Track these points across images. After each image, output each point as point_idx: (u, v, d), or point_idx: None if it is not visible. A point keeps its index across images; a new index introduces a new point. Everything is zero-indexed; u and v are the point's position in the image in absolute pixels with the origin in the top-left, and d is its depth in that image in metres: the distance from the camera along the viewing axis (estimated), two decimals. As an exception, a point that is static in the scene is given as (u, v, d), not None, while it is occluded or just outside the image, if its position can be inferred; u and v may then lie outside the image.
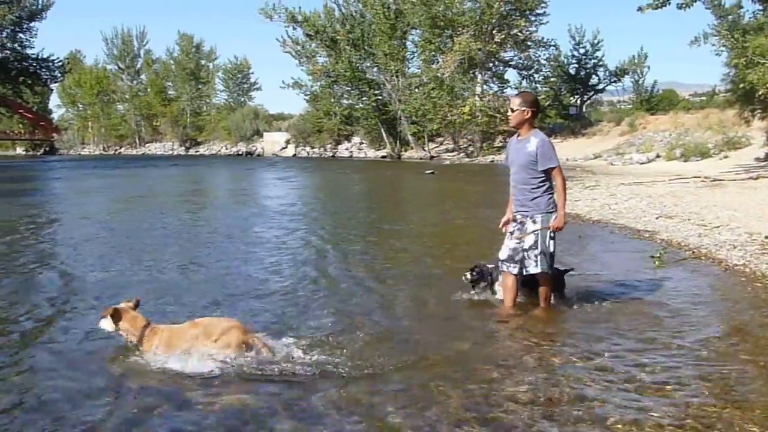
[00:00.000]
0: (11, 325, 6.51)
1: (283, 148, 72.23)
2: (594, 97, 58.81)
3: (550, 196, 6.53)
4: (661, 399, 4.66)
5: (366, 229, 14.35)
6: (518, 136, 6.66)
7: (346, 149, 65.54)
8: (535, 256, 6.47)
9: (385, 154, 58.04)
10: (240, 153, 77.84)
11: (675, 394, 4.74)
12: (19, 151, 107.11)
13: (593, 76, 56.16)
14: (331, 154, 65.74)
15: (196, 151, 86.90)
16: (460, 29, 48.20)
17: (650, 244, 11.30)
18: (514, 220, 6.71)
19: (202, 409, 4.48)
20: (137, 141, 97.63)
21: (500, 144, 50.94)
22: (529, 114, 6.49)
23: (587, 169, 34.72)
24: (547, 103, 54.61)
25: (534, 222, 6.49)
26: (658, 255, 9.78)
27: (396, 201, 22.05)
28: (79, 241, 12.34)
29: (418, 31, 53.99)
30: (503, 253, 6.69)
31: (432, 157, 52.26)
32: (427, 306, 7.43)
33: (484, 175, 34.15)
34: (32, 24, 70.49)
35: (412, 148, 56.19)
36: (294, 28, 60.65)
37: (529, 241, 6.50)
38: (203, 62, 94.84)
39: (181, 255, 10.95)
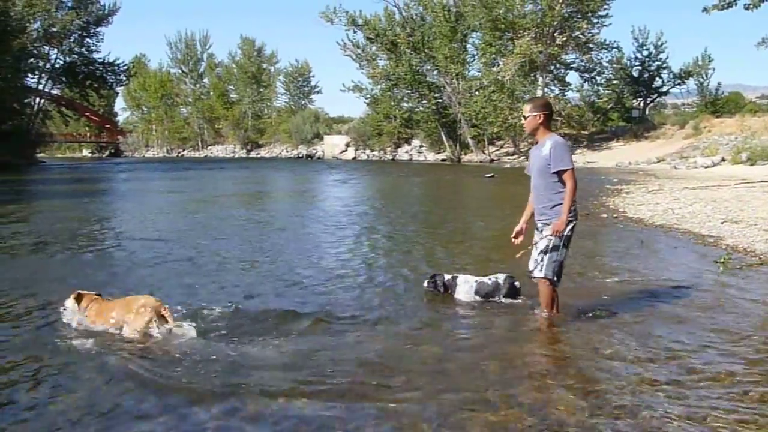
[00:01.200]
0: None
1: (343, 151, 73.30)
2: (657, 99, 58.65)
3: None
4: (728, 403, 4.72)
5: (425, 232, 14.58)
6: (536, 143, 6.63)
7: (406, 152, 66.28)
8: (542, 261, 6.40)
9: (445, 157, 58.64)
10: (300, 156, 79.19)
11: (743, 397, 4.81)
12: (86, 153, 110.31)
13: (657, 78, 56.11)
14: (390, 157, 66.57)
15: (257, 154, 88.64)
16: (520, 32, 48.54)
17: (715, 250, 11.10)
18: (537, 229, 6.60)
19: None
20: (199, 144, 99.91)
21: (561, 147, 51.19)
22: (542, 118, 6.40)
23: (650, 173, 34.61)
24: (610, 106, 54.65)
25: (545, 229, 6.43)
26: (722, 260, 9.60)
27: (455, 204, 22.05)
28: (173, 237, 13.54)
29: (478, 33, 54.43)
30: (530, 264, 6.60)
31: (492, 161, 52.66)
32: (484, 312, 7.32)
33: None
34: (99, 29, 73.10)
35: (471, 152, 56.67)
36: (354, 32, 61.63)
37: (540, 245, 6.43)
38: (265, 66, 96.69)
39: (257, 247, 12.12)
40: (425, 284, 7.90)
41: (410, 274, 9.32)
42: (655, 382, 5.08)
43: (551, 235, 6.33)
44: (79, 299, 6.47)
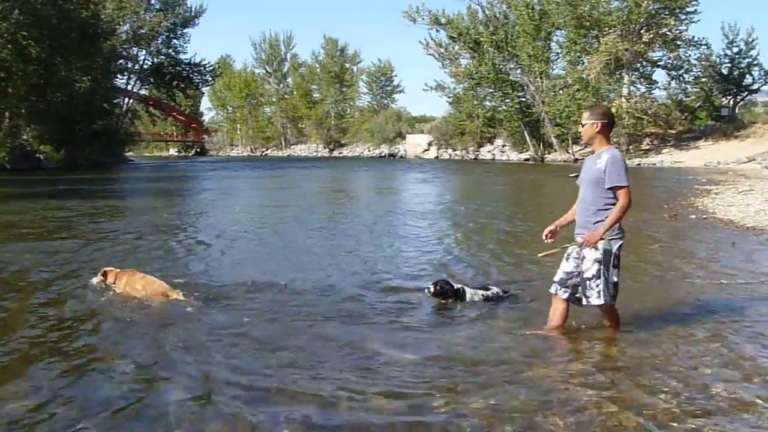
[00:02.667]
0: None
1: (426, 150, 74.03)
2: (748, 97, 57.41)
3: None
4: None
5: (508, 230, 14.91)
6: (592, 152, 6.29)
7: (489, 152, 66.59)
8: (597, 286, 5.99)
9: (528, 156, 58.77)
10: (383, 155, 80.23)
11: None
12: (172, 152, 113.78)
13: (747, 75, 54.93)
14: (473, 157, 66.98)
15: (339, 153, 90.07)
16: (606, 29, 48.37)
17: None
18: (575, 242, 6.26)
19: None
20: (283, 143, 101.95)
21: (647, 146, 50.80)
22: (599, 126, 6.04)
23: (740, 173, 34.05)
24: (698, 105, 53.88)
25: (596, 249, 5.99)
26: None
27: (538, 204, 22.03)
28: (266, 228, 14.71)
29: (562, 31, 54.38)
30: (557, 275, 6.34)
31: (576, 160, 52.46)
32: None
33: (631, 178, 33.69)
34: (185, 30, 75.74)
35: (555, 151, 56.68)
36: (437, 31, 62.26)
37: (591, 270, 6.01)
38: (348, 65, 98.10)
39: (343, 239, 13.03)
40: (429, 290, 7.56)
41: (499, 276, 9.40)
42: (750, 404, 4.79)
43: (587, 246, 6.00)
44: (105, 275, 8.02)
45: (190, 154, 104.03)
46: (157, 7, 72.05)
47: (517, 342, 6.18)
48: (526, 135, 58.95)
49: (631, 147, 49.71)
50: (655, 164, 45.44)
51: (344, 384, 5.04)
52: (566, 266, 6.24)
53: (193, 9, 75.29)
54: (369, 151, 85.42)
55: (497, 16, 59.53)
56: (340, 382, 5.10)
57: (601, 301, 6.03)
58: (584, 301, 6.15)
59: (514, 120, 59.68)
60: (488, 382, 5.11)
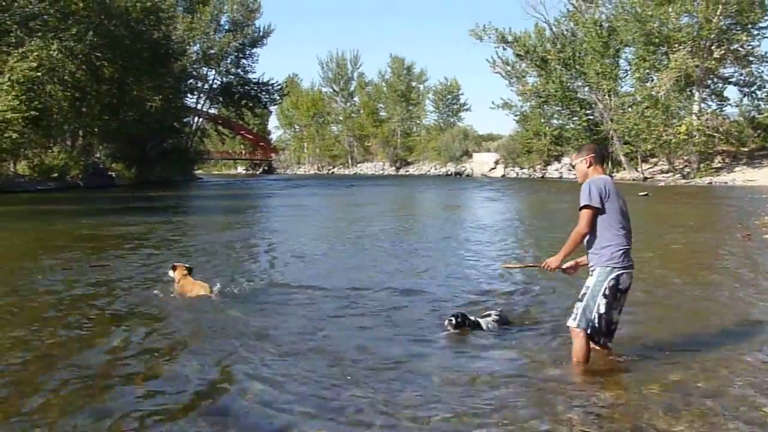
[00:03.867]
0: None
1: (492, 168, 73.96)
2: (823, 114, 55.96)
3: (615, 247, 5.73)
4: None
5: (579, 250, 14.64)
6: None
7: (556, 170, 66.20)
8: (576, 309, 5.78)
9: (597, 175, 58.27)
10: (449, 173, 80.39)
11: None
12: (240, 170, 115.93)
13: (823, 91, 53.57)
14: (540, 175, 66.68)
15: (405, 171, 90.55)
16: (676, 46, 47.83)
17: None
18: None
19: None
20: (349, 161, 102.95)
21: (719, 165, 49.89)
22: (589, 161, 5.97)
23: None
24: (771, 123, 52.85)
25: (591, 275, 5.84)
26: None
27: None
28: (339, 242, 15.19)
29: (631, 48, 53.89)
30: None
31: (645, 178, 51.91)
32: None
33: (702, 197, 33.39)
34: (254, 50, 77.51)
35: (624, 169, 56.10)
36: (504, 49, 62.45)
37: (581, 292, 5.85)
38: (414, 84, 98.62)
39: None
40: (450, 323, 7.07)
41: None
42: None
43: (547, 268, 6.07)
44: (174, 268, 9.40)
45: (257, 172, 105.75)
46: (227, 27, 74.18)
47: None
48: (594, 153, 58.51)
49: (701, 165, 48.96)
50: (726, 183, 44.66)
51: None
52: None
53: (261, 29, 77.36)
54: (435, 169, 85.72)
55: (564, 33, 59.45)
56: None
57: (572, 324, 5.78)
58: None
59: (581, 138, 59.19)
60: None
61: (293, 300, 8.89)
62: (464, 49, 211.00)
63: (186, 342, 6.78)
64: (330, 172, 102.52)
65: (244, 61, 77.24)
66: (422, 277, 10.91)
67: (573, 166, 6.26)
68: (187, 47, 65.29)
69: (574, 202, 19.07)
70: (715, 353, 6.27)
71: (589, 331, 5.72)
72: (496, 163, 74.30)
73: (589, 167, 6.01)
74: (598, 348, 5.92)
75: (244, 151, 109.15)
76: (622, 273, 5.72)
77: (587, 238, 5.85)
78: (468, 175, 75.67)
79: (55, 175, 42.58)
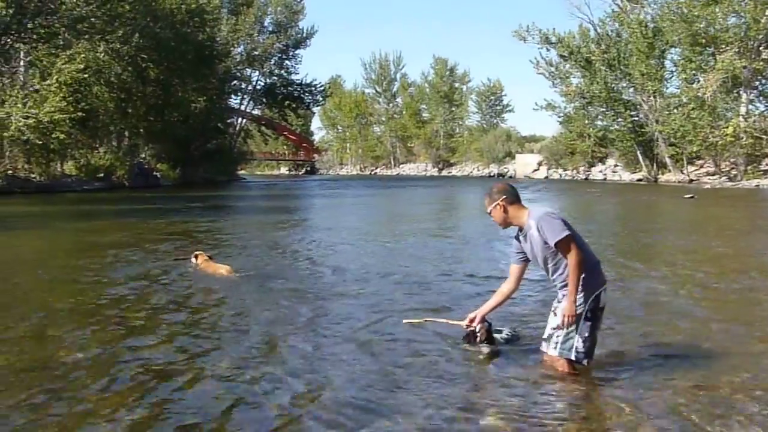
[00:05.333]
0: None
1: (535, 170, 73.77)
2: None
3: (587, 270, 5.40)
4: None
5: (623, 252, 13.88)
6: (520, 230, 5.68)
7: (600, 171, 65.81)
8: (556, 336, 5.53)
9: (641, 177, 57.79)
10: (492, 174, 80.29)
11: None
12: (283, 170, 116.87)
13: None
14: (584, 177, 66.34)
15: (448, 172, 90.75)
16: (723, 46, 47.20)
17: None
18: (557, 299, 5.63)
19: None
20: (392, 162, 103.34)
21: (767, 167, 49.18)
22: (504, 204, 5.58)
23: None
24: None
25: (561, 301, 5.51)
26: None
27: (652, 225, 21.43)
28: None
29: (677, 49, 53.33)
30: (545, 332, 5.69)
31: (691, 181, 51.36)
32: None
33: (749, 200, 32.95)
34: (297, 51, 78.03)
35: (669, 171, 55.53)
36: (548, 50, 62.12)
37: (556, 320, 5.53)
38: (457, 85, 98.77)
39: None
40: (475, 341, 6.13)
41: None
42: None
43: (563, 322, 5.41)
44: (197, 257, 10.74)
45: (300, 173, 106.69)
46: (270, 29, 74.88)
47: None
48: (639, 155, 57.98)
49: (749, 167, 48.33)
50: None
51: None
52: (553, 321, 5.55)
53: (304, 30, 77.87)
54: (478, 170, 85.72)
55: (609, 34, 58.91)
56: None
57: (554, 353, 5.50)
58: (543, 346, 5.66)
59: (626, 139, 58.73)
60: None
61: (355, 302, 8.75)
62: (508, 50, 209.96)
63: (237, 328, 7.02)
64: (372, 172, 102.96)
65: (287, 62, 77.90)
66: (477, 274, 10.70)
67: (489, 214, 5.70)
68: (231, 49, 65.97)
69: (619, 204, 18.98)
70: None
71: (573, 358, 5.39)
72: (539, 164, 74.10)
73: (506, 212, 5.60)
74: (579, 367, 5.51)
75: (287, 152, 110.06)
76: (601, 292, 5.45)
77: (554, 271, 5.49)
78: (511, 177, 75.41)
79: (101, 175, 43.31)
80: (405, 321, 6.29)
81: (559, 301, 5.51)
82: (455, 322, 5.76)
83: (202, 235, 16.69)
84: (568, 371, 5.44)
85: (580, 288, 5.32)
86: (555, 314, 5.53)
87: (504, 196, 5.61)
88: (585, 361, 5.46)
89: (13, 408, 4.77)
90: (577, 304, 5.31)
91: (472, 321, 5.88)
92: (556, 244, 5.28)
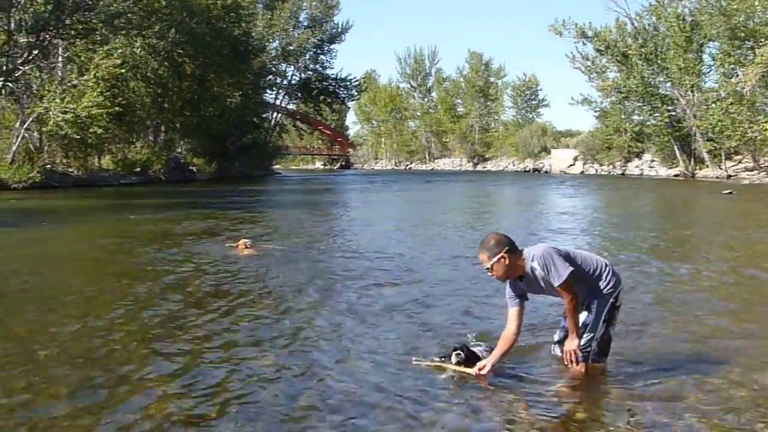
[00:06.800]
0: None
1: (571, 165, 73.22)
2: None
3: (601, 277, 5.44)
4: None
5: (659, 247, 14.04)
6: (520, 280, 5.47)
7: (636, 167, 65.15)
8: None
9: (678, 172, 57.12)
10: (527, 169, 79.99)
11: None
12: (318, 165, 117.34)
13: None
14: (620, 172, 65.71)
15: (483, 167, 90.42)
16: (762, 40, 46.46)
17: None
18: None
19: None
20: (426, 156, 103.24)
21: (806, 163, 48.48)
22: (506, 256, 5.29)
23: None
24: None
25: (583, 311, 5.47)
26: None
27: (689, 221, 21.42)
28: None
29: (715, 43, 52.63)
30: (557, 335, 5.87)
31: (729, 176, 50.70)
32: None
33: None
34: (332, 46, 78.20)
35: (707, 167, 54.84)
36: (584, 44, 61.57)
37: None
38: (492, 79, 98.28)
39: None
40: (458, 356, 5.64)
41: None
42: None
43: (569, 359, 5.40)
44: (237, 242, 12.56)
45: (335, 168, 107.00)
46: (306, 24, 75.16)
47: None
48: (676, 150, 57.28)
49: (788, 163, 47.69)
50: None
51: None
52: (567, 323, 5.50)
53: (339, 25, 78.04)
54: (513, 165, 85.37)
55: (646, 28, 58.22)
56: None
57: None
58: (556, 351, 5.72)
59: (663, 134, 58.03)
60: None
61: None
62: (543, 44, 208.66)
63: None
64: (407, 167, 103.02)
65: (322, 57, 78.15)
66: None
67: (489, 270, 5.37)
68: (267, 44, 66.41)
69: (656, 199, 18.85)
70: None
71: (590, 361, 5.40)
72: (575, 159, 73.52)
73: (508, 263, 5.31)
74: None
75: (321, 147, 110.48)
76: (618, 292, 5.47)
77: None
78: (546, 172, 75.17)
79: (138, 169, 43.81)
80: (414, 361, 5.75)
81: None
82: (466, 370, 5.39)
83: (246, 225, 17.42)
84: (584, 372, 5.39)
85: (598, 296, 5.38)
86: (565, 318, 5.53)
87: (506, 248, 5.30)
88: (602, 361, 5.51)
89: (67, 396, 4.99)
90: (597, 309, 5.38)
91: (481, 369, 5.39)
92: (559, 286, 5.18)
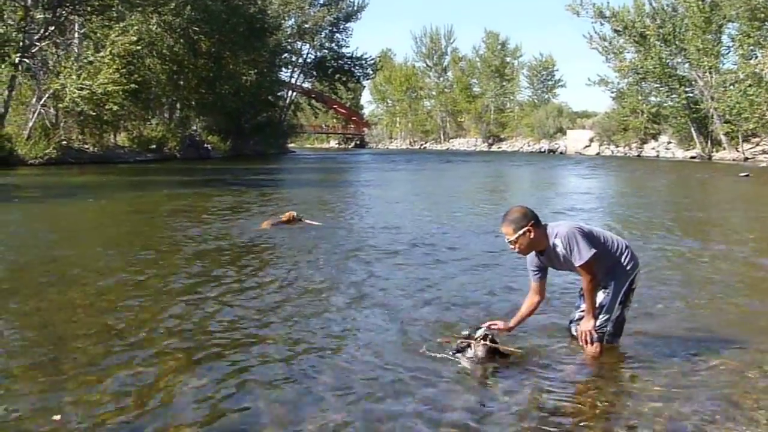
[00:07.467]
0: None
1: (587, 146, 72.89)
2: None
3: (621, 257, 5.45)
4: None
5: (675, 228, 13.76)
6: (541, 254, 5.45)
7: (653, 149, 64.78)
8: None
9: (695, 154, 56.78)
10: (542, 150, 79.50)
11: None
12: (332, 143, 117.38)
13: None
14: (636, 154, 65.38)
15: (498, 148, 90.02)
16: (783, 21, 46.16)
17: None
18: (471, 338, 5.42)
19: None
20: (441, 136, 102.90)
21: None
22: (532, 230, 5.23)
23: None
24: None
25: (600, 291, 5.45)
26: None
27: (706, 203, 21.38)
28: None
29: (734, 24, 52.13)
30: (574, 314, 5.83)
31: (746, 159, 50.40)
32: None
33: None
34: (348, 24, 77.99)
35: (724, 149, 54.51)
36: (601, 24, 61.10)
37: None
38: (508, 59, 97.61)
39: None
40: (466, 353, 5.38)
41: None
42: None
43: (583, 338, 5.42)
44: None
45: (349, 147, 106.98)
46: (321, 2, 74.70)
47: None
48: (693, 132, 56.91)
49: (808, 145, 47.33)
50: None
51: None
52: (583, 303, 5.49)
53: (355, 3, 77.66)
54: (528, 146, 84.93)
55: (665, 8, 57.65)
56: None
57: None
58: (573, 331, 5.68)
59: (680, 116, 57.65)
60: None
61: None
62: (560, 24, 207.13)
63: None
64: (422, 147, 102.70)
65: (338, 35, 77.83)
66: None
67: (513, 243, 5.26)
68: (282, 21, 66.34)
69: (673, 181, 18.98)
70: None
71: (604, 342, 5.41)
72: (591, 140, 73.13)
73: (534, 236, 5.25)
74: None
75: (336, 126, 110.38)
76: (635, 274, 5.49)
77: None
78: (561, 153, 74.84)
79: (153, 146, 44.01)
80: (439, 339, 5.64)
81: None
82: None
83: (272, 202, 17.95)
84: (598, 352, 5.38)
85: (619, 276, 5.39)
86: (582, 298, 5.52)
87: (532, 221, 5.24)
88: (615, 342, 5.53)
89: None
90: (615, 289, 5.38)
91: (491, 327, 5.42)
92: (579, 266, 5.17)
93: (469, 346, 5.29)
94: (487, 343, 5.27)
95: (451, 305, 7.10)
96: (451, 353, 5.33)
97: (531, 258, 5.49)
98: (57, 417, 4.24)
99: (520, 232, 5.18)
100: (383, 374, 5.02)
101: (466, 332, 5.40)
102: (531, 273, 5.56)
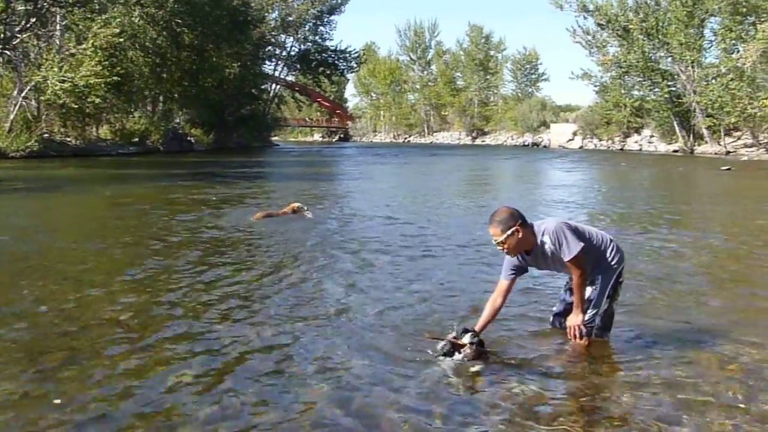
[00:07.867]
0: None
1: (570, 140, 73.18)
2: None
3: (607, 251, 5.51)
4: None
5: (657, 221, 13.85)
6: (527, 253, 5.43)
7: (635, 142, 65.11)
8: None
9: (677, 148, 57.09)
10: (526, 144, 79.88)
11: None
12: (316, 137, 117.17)
13: None
14: (619, 147, 65.69)
15: (482, 141, 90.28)
16: (764, 15, 46.30)
17: None
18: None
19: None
20: (425, 130, 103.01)
21: (805, 140, 48.45)
22: (520, 229, 5.21)
23: None
24: None
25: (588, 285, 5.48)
26: None
27: (688, 196, 21.56)
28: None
29: (717, 18, 52.40)
30: (556, 307, 5.97)
31: (728, 152, 50.71)
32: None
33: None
34: (332, 17, 77.66)
35: (706, 143, 54.81)
36: (585, 18, 61.26)
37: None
38: (492, 53, 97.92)
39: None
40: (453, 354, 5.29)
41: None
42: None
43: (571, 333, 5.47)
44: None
45: (333, 140, 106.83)
46: (305, -6, 74.47)
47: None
48: (676, 126, 57.19)
49: (788, 141, 47.68)
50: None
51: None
52: (568, 297, 5.63)
53: (339, -4, 77.33)
54: (512, 139, 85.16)
55: (648, 2, 57.90)
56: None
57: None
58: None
59: (663, 110, 57.93)
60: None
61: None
62: (544, 18, 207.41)
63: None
64: (406, 140, 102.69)
65: (322, 28, 77.59)
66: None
67: (502, 243, 5.25)
68: (266, 14, 66.11)
69: (655, 174, 19.32)
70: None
71: (593, 336, 5.49)
72: (574, 134, 73.45)
73: (521, 236, 5.24)
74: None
75: (320, 119, 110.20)
76: (621, 268, 5.54)
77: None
78: (545, 146, 75.09)
79: (136, 139, 43.72)
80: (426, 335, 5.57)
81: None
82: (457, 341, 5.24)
83: (258, 196, 18.06)
84: (586, 346, 5.45)
85: (605, 270, 5.46)
86: (568, 291, 5.66)
87: (519, 221, 5.23)
88: (604, 335, 5.60)
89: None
90: (603, 284, 5.46)
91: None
92: (569, 261, 5.20)
93: (456, 350, 5.23)
94: (475, 348, 5.23)
95: (440, 297, 7.18)
96: (436, 356, 5.26)
97: (511, 259, 5.46)
98: (58, 401, 4.31)
99: (509, 232, 5.18)
100: (372, 370, 5.04)
101: (452, 334, 5.30)
102: (506, 272, 5.51)
